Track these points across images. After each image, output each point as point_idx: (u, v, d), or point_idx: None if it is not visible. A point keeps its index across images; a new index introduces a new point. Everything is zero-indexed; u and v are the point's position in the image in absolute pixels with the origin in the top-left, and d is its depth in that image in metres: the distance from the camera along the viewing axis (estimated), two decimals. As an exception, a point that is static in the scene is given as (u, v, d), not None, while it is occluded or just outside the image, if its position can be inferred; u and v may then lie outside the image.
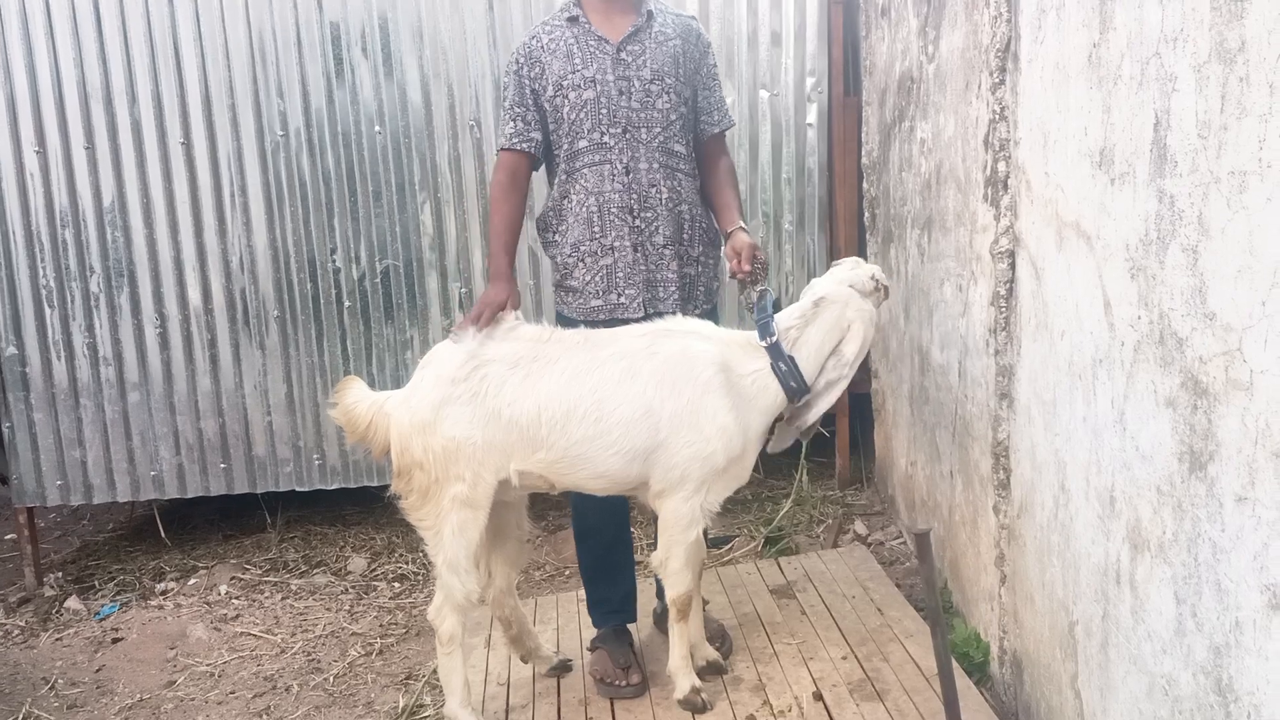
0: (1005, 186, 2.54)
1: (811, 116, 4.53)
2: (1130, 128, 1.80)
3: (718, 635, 3.03)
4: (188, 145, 4.27)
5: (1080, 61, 2.03)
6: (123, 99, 4.22)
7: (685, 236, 2.84)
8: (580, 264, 2.80)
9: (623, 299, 2.78)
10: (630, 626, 3.05)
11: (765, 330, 2.57)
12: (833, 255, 4.65)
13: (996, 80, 2.56)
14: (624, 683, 2.85)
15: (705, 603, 3.14)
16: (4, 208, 4.23)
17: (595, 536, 2.98)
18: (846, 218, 4.60)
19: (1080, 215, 2.06)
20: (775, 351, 2.55)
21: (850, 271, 2.68)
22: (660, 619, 3.17)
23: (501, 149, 2.83)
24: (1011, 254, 2.53)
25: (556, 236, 2.86)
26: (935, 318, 3.31)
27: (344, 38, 4.24)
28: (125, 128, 4.23)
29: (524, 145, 2.79)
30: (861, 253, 4.54)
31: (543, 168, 2.94)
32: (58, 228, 4.26)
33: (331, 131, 4.30)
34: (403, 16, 4.24)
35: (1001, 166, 2.55)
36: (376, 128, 4.31)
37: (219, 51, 4.21)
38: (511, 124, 2.80)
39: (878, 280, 2.67)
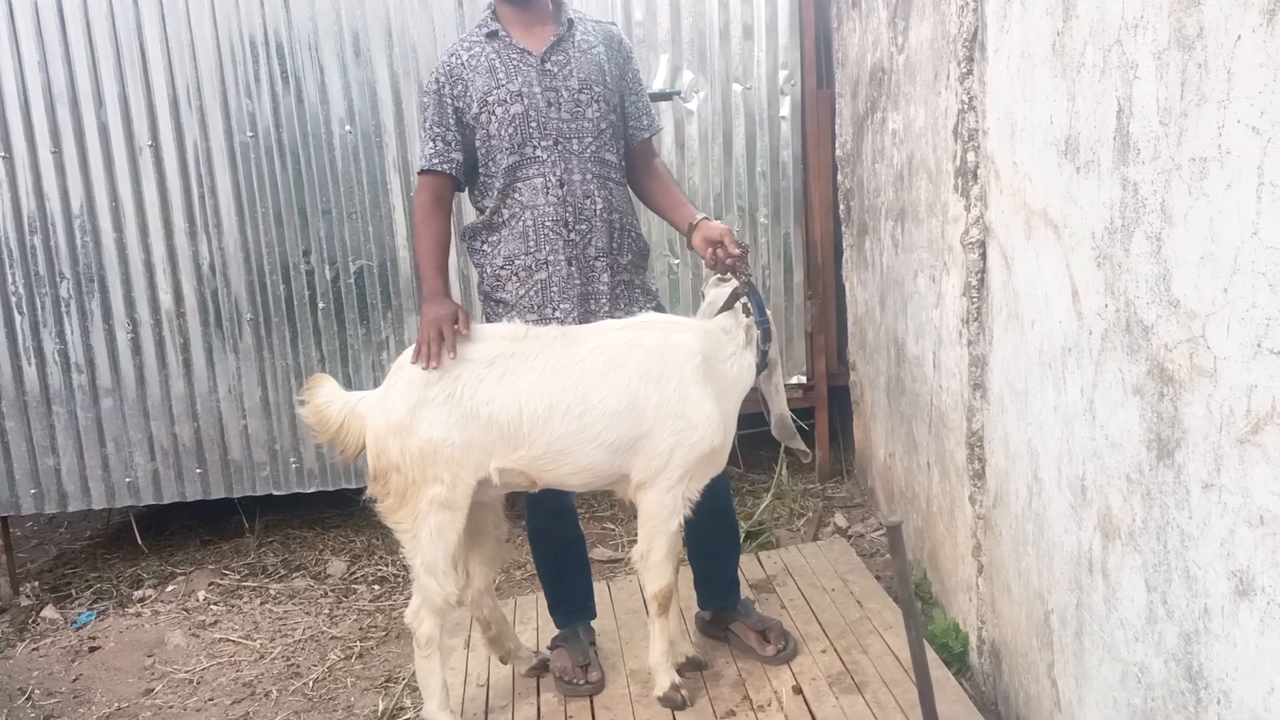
0: (975, 176, 2.54)
1: (785, 109, 4.52)
2: (1094, 116, 1.80)
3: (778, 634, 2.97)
4: (156, 148, 4.22)
5: (1045, 50, 2.03)
6: (89, 101, 4.16)
7: (615, 245, 2.77)
8: (513, 278, 2.73)
9: (557, 314, 2.72)
10: (592, 624, 3.07)
11: (767, 336, 2.64)
12: (809, 249, 4.66)
13: (964, 70, 2.56)
14: (583, 681, 2.88)
15: (753, 601, 3.13)
16: (-30, 215, 4.17)
17: (549, 538, 2.98)
18: (822, 210, 4.59)
19: (1047, 204, 2.06)
20: (763, 358, 2.65)
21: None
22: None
23: (421, 171, 2.74)
24: (982, 244, 2.53)
25: (486, 246, 2.79)
26: (910, 309, 3.31)
27: (312, 36, 4.19)
28: (92, 131, 4.18)
29: (445, 167, 2.70)
30: (838, 245, 4.54)
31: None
32: (26, 234, 4.20)
33: (302, 131, 4.26)
34: (371, 15, 4.20)
35: (971, 156, 2.55)
36: (347, 127, 4.27)
37: (186, 52, 4.16)
38: (431, 144, 2.71)
39: None
